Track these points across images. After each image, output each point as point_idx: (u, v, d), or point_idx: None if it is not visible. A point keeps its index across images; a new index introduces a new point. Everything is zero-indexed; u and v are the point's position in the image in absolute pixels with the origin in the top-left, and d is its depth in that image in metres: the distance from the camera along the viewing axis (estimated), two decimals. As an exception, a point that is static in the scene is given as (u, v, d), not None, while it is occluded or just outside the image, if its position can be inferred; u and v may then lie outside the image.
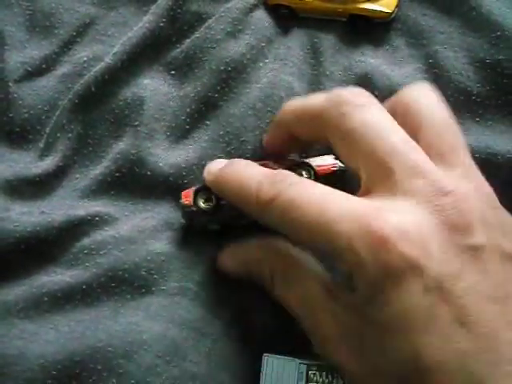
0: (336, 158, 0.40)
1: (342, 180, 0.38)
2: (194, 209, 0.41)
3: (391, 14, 0.57)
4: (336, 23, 0.58)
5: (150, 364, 0.40)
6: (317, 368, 0.43)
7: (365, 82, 0.53)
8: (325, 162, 0.39)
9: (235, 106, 0.53)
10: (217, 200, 0.40)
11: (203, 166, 0.51)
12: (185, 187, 0.50)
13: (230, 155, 0.50)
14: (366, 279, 0.30)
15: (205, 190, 0.41)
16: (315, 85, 0.55)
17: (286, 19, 0.59)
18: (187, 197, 0.42)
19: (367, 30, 0.58)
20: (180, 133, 0.53)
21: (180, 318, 0.43)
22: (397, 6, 0.58)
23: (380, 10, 0.57)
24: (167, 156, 0.51)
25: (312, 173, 0.38)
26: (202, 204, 0.40)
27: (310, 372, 0.42)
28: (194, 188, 0.42)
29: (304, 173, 0.38)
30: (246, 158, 0.50)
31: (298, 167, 0.39)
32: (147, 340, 0.41)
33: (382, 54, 0.56)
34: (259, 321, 0.45)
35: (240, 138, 0.50)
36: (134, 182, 0.51)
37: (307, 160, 0.40)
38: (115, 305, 0.44)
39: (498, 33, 0.53)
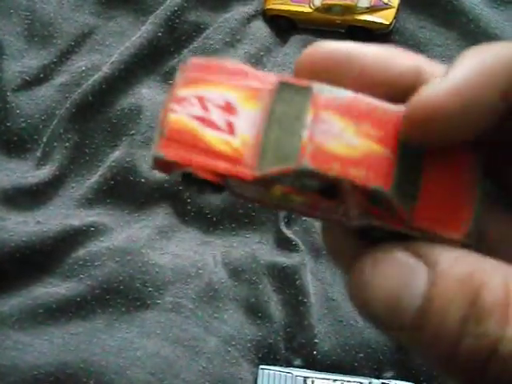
0: None
1: None
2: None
3: (389, 25, 0.58)
4: (334, 34, 0.59)
5: (143, 381, 0.40)
6: (313, 380, 0.42)
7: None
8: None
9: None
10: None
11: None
12: (180, 194, 0.50)
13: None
14: None
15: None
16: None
17: (285, 30, 0.59)
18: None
19: (365, 41, 0.58)
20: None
21: (174, 335, 0.43)
22: (395, 18, 0.58)
23: (378, 21, 0.58)
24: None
25: None
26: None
27: (305, 385, 0.42)
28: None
29: None
30: None
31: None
32: (141, 357, 0.41)
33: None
34: (256, 336, 0.45)
35: None
36: (129, 190, 0.51)
37: None
38: (110, 318, 0.44)
39: (496, 45, 0.53)
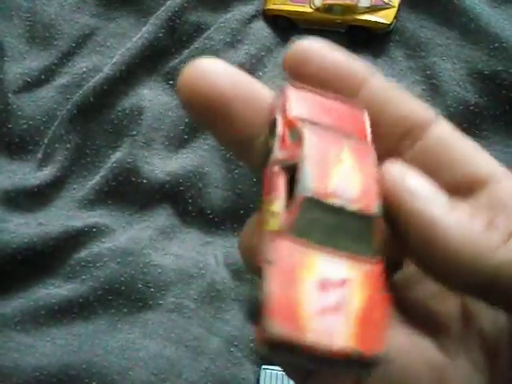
0: None
1: None
2: None
3: (390, 25, 0.57)
4: (335, 34, 0.59)
5: (145, 381, 0.40)
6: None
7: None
8: None
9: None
10: None
11: (201, 174, 0.51)
12: (182, 194, 0.51)
13: (228, 162, 0.51)
14: None
15: None
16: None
17: (285, 30, 0.60)
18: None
19: (366, 41, 0.58)
20: (178, 142, 0.53)
21: (177, 336, 0.43)
22: (395, 18, 0.58)
23: (379, 21, 0.57)
24: (164, 164, 0.51)
25: None
26: None
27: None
28: None
29: None
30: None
31: None
32: (143, 357, 0.41)
33: (380, 65, 0.57)
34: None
35: None
36: (131, 191, 0.51)
37: None
38: (112, 319, 0.44)
39: (496, 44, 0.53)
